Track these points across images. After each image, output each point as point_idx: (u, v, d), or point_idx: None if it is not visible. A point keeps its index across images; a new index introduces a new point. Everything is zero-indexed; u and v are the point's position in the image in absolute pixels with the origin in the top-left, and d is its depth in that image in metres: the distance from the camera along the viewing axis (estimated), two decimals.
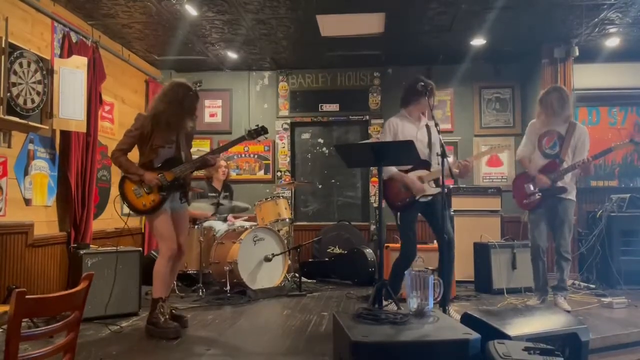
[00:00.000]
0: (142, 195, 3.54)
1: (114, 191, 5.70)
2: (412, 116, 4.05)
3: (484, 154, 4.86)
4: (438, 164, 3.78)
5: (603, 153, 4.20)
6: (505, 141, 6.66)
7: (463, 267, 5.27)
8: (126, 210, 3.70)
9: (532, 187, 4.27)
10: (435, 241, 4.29)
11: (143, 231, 6.32)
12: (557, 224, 4.17)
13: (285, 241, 5.42)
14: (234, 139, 3.86)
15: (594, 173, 4.29)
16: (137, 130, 3.52)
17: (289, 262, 5.42)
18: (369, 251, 5.71)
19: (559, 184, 4.14)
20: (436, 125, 3.73)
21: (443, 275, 3.28)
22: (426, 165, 3.90)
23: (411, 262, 4.03)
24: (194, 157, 3.83)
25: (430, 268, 4.09)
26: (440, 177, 3.60)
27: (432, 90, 3.95)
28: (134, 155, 3.64)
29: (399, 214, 4.00)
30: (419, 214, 4.05)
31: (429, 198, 3.96)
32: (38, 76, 4.32)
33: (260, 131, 3.78)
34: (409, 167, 3.91)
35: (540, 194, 4.21)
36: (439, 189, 3.93)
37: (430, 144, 3.99)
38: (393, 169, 3.89)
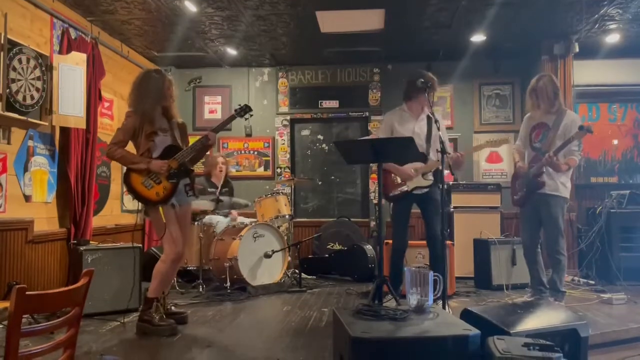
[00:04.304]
0: (153, 186, 3.45)
1: (114, 187, 5.72)
2: (412, 110, 4.08)
3: (480, 147, 4.73)
4: (437, 160, 3.78)
5: (561, 147, 3.88)
6: (505, 137, 6.65)
7: (463, 264, 5.28)
8: (126, 207, 3.69)
9: (517, 184, 4.20)
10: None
11: (143, 227, 6.32)
12: (543, 222, 4.05)
13: (285, 237, 5.43)
14: (226, 118, 3.88)
15: (564, 170, 3.93)
16: (130, 125, 3.50)
17: (289, 258, 5.42)
18: (368, 247, 5.71)
19: (544, 178, 3.93)
20: (436, 122, 3.75)
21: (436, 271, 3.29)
22: (423, 158, 3.91)
23: (403, 254, 4.04)
24: None
25: (429, 264, 4.10)
26: (439, 173, 3.60)
27: (433, 86, 3.91)
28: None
29: (391, 204, 4.01)
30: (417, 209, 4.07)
31: (424, 191, 3.98)
32: (37, 72, 4.31)
33: (246, 108, 3.88)
34: None
35: (524, 190, 4.09)
36: (431, 180, 3.95)
37: (429, 137, 3.99)
38: None
